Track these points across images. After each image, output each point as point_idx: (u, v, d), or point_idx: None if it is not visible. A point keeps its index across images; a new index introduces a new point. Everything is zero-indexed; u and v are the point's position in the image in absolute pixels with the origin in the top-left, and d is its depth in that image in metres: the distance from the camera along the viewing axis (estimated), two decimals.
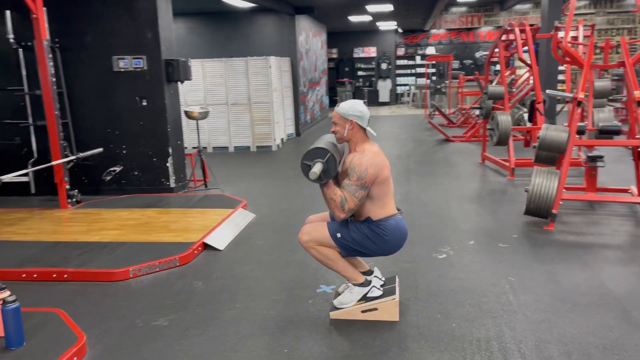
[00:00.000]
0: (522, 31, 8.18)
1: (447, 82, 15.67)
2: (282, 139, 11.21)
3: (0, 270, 4.20)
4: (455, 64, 19.74)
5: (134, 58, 6.58)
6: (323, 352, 2.95)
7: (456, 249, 4.55)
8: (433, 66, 17.74)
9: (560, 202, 5.04)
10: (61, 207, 6.07)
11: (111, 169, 6.77)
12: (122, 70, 6.63)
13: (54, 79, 5.92)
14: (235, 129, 10.57)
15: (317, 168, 3.01)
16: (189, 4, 11.40)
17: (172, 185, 6.85)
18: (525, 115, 8.34)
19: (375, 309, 3.31)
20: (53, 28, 6.60)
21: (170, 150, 6.77)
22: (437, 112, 13.40)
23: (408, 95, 20.76)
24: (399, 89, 21.54)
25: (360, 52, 21.38)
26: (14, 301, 2.93)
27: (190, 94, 10.45)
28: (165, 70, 6.61)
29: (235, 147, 10.63)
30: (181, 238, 4.80)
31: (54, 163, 5.82)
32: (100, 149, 6.40)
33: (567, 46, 5.63)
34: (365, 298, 3.34)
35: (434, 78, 16.22)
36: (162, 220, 5.42)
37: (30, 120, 6.54)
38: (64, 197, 6.05)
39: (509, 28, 8.38)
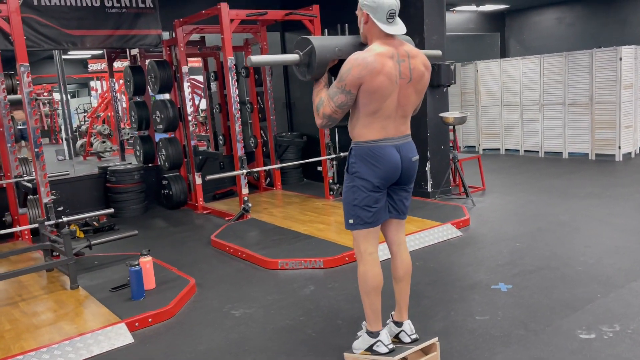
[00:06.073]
0: None
1: None
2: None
3: (218, 240, 5.44)
4: None
5: None
6: None
7: (627, 333, 3.12)
8: None
9: None
10: (325, 197, 7.03)
11: None
12: None
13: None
14: (571, 133, 9.20)
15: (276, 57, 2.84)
16: None
17: (429, 189, 6.83)
18: None
19: None
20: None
21: (429, 155, 6.76)
22: None
23: None
24: None
25: None
26: (137, 264, 3.98)
27: (525, 93, 9.72)
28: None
29: (569, 153, 9.27)
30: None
31: (315, 159, 6.82)
32: None
33: None
34: (371, 350, 2.90)
35: None
36: None
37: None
38: (327, 189, 6.99)
39: None
